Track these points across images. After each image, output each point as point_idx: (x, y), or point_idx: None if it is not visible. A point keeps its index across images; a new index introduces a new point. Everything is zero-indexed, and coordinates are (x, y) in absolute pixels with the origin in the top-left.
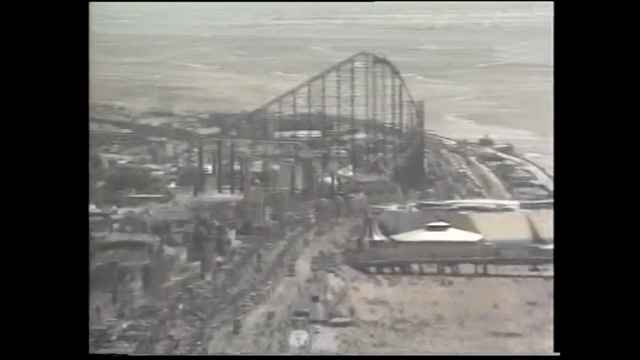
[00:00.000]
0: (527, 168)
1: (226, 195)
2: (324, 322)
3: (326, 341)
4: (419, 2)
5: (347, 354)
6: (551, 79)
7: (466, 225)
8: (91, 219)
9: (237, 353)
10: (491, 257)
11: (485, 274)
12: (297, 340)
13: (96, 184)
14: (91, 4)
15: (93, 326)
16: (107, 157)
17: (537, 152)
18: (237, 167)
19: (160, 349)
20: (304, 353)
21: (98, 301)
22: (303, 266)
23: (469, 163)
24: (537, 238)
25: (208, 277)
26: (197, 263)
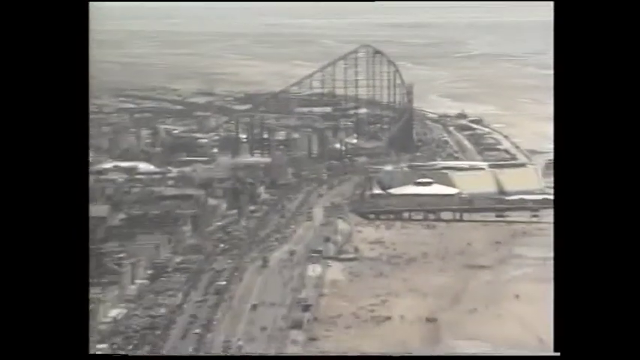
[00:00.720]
0: (493, 136)
1: (257, 158)
2: (335, 258)
3: (336, 273)
4: (407, 5)
5: (346, 354)
6: (512, 65)
7: (446, 181)
8: (151, 177)
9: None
10: (465, 206)
11: (461, 220)
12: (313, 272)
13: (155, 149)
14: (91, 4)
15: (154, 260)
16: (164, 127)
17: (501, 123)
18: (265, 136)
19: (204, 279)
20: (319, 282)
21: (158, 240)
22: (318, 214)
23: (448, 132)
24: (502, 191)
25: (243, 222)
26: (234, 211)
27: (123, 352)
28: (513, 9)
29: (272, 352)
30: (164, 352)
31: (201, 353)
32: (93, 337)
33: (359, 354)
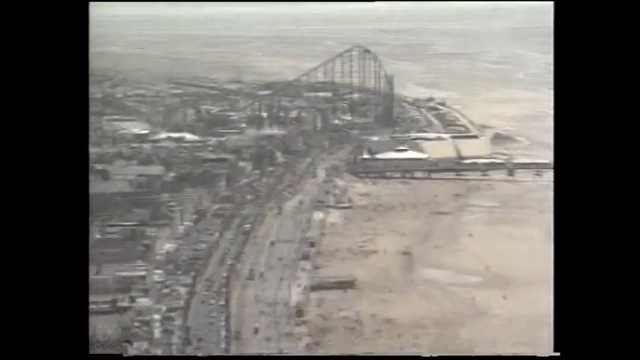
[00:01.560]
0: (453, 114)
1: (275, 131)
2: (333, 206)
3: (334, 217)
4: (390, 15)
5: (346, 353)
6: (467, 61)
7: (418, 148)
8: (194, 145)
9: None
10: (432, 167)
11: (429, 178)
12: (317, 217)
13: (198, 124)
14: (91, 4)
15: (197, 207)
16: (204, 107)
17: (460, 105)
18: (281, 114)
19: (235, 222)
20: (321, 226)
21: (200, 193)
22: (321, 173)
23: (420, 111)
24: (460, 156)
25: (264, 179)
26: (257, 171)
27: (173, 277)
28: (472, 20)
29: (287, 275)
30: (205, 277)
31: (222, 300)
32: (151, 266)
33: (359, 354)
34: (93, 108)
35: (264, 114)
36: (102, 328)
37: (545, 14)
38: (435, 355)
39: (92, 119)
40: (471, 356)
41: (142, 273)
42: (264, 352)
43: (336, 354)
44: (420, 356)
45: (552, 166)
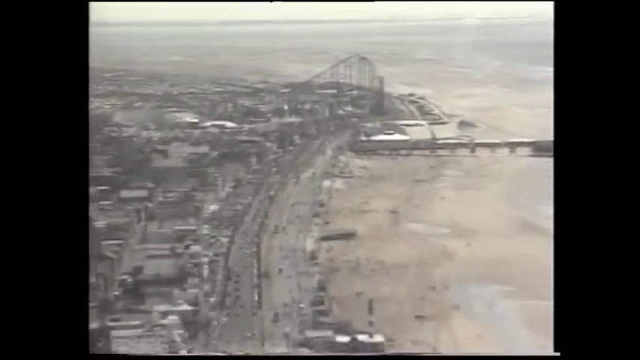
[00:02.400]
0: (429, 106)
1: (293, 119)
2: (338, 176)
3: (339, 185)
4: (381, 32)
5: (348, 354)
6: (440, 65)
7: (402, 132)
8: (233, 130)
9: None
10: (413, 146)
11: (410, 154)
12: (326, 185)
13: (235, 114)
14: (91, 4)
15: (234, 177)
16: (240, 102)
17: (434, 99)
18: (298, 106)
19: (263, 189)
20: (329, 191)
21: (237, 167)
22: (329, 151)
23: (404, 104)
24: (434, 138)
25: (286, 156)
26: (280, 150)
27: (217, 230)
28: (443, 34)
29: (304, 229)
30: (241, 231)
31: (254, 248)
32: (200, 222)
33: (359, 354)
34: (155, 103)
35: (285, 106)
36: (164, 269)
37: (499, 28)
38: (434, 355)
39: (155, 111)
40: (471, 356)
41: (193, 227)
42: (286, 286)
43: (341, 289)
44: (420, 356)
45: (504, 144)
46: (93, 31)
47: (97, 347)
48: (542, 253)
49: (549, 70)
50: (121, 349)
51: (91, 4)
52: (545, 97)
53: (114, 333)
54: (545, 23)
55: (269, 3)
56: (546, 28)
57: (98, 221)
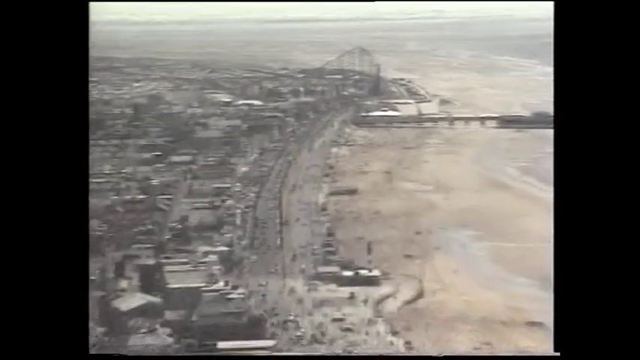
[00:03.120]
0: (416, 88)
1: (307, 99)
2: (344, 144)
3: (343, 151)
4: (377, 30)
5: (352, 233)
6: (425, 55)
7: (394, 108)
8: (259, 107)
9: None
10: (403, 120)
11: (401, 127)
12: (334, 151)
13: (261, 95)
14: (91, 4)
15: (260, 146)
16: (265, 85)
17: (421, 82)
18: (311, 88)
19: (284, 154)
20: (336, 156)
21: (262, 137)
22: (336, 124)
23: (396, 86)
24: (420, 113)
25: (302, 129)
26: (297, 123)
27: (247, 187)
28: (428, 30)
29: (316, 186)
30: (266, 188)
31: (276, 201)
32: (234, 180)
33: (359, 354)
34: (196, 85)
35: (301, 88)
36: (205, 218)
37: (472, 25)
38: (433, 355)
39: (197, 93)
40: (471, 356)
41: (228, 185)
42: (302, 232)
43: (345, 234)
44: (420, 356)
45: (476, 118)
46: (148, 29)
47: (155, 280)
48: (506, 204)
49: (513, 59)
50: (172, 281)
51: (92, 4)
52: (509, 80)
53: (167, 268)
54: (514, 20)
55: (285, 5)
56: (514, 25)
57: (154, 180)
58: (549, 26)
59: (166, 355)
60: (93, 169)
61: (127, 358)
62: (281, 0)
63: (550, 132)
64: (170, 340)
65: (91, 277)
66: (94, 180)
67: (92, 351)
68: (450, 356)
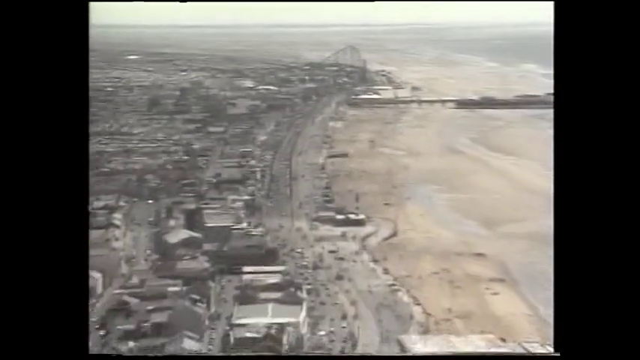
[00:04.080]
0: (393, 78)
1: (311, 85)
2: (339, 119)
3: (339, 125)
4: (364, 33)
5: (344, 187)
6: (401, 54)
7: (377, 93)
8: (275, 91)
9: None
10: (384, 102)
11: (382, 107)
12: (331, 124)
13: (276, 81)
14: (91, 4)
15: (275, 120)
16: (279, 74)
17: (397, 73)
18: (315, 77)
19: (293, 127)
20: (333, 128)
21: (277, 114)
22: (333, 104)
23: (378, 77)
24: (396, 96)
25: (306, 108)
26: (304, 103)
27: (265, 151)
28: (406, 33)
29: (317, 151)
30: (279, 152)
31: (287, 162)
32: (254, 147)
33: (359, 354)
34: (228, 74)
35: (307, 77)
36: (234, 174)
37: (446, 31)
38: (434, 355)
39: (228, 80)
40: (471, 356)
41: (250, 149)
42: (307, 185)
43: (339, 187)
44: (420, 356)
45: (438, 101)
46: (192, 31)
47: (196, 220)
48: (460, 165)
49: (467, 57)
50: (209, 221)
51: (92, 4)
52: (465, 73)
53: (205, 211)
54: (481, 27)
55: (294, 13)
56: (480, 30)
57: (195, 145)
58: (501, 31)
59: (166, 355)
60: (149, 137)
61: (127, 358)
62: (290, 0)
63: (493, 111)
64: (207, 264)
65: (149, 218)
66: (150, 145)
67: (147, 269)
68: (450, 356)
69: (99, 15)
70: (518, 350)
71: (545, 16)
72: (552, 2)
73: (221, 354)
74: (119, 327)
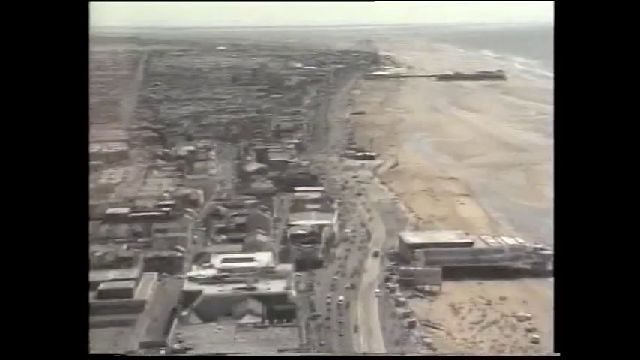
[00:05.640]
0: (395, 60)
1: (341, 66)
2: (358, 89)
3: (358, 92)
4: (358, 32)
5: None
6: (400, 43)
7: (384, 70)
8: (314, 69)
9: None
10: (389, 76)
11: (387, 80)
12: (353, 92)
13: (312, 61)
14: (91, 4)
15: (290, 97)
16: (315, 58)
17: (397, 57)
18: (342, 60)
19: (328, 94)
20: (352, 95)
21: (294, 92)
22: (353, 79)
23: (384, 59)
24: (398, 73)
25: (337, 81)
26: (335, 78)
27: (307, 109)
28: (405, 30)
29: (344, 110)
30: (319, 111)
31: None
32: (302, 106)
33: (359, 354)
34: (283, 59)
35: (337, 60)
36: (288, 126)
37: (425, 29)
38: (433, 355)
39: (284, 62)
40: (471, 356)
41: (299, 109)
42: (336, 133)
43: (359, 135)
44: (420, 356)
45: (426, 75)
46: (256, 30)
47: (263, 156)
48: (439, 119)
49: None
50: (272, 157)
51: (92, 5)
52: (443, 56)
53: (269, 151)
54: (452, 25)
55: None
56: (451, 28)
57: (263, 106)
58: (467, 28)
59: (166, 355)
60: (232, 101)
61: (127, 358)
62: (326, 0)
63: (461, 82)
64: (271, 186)
65: (233, 155)
66: (233, 106)
67: (232, 189)
68: (450, 356)
69: (196, 18)
70: (477, 239)
71: (498, 16)
72: (552, 2)
73: (224, 354)
74: (214, 226)
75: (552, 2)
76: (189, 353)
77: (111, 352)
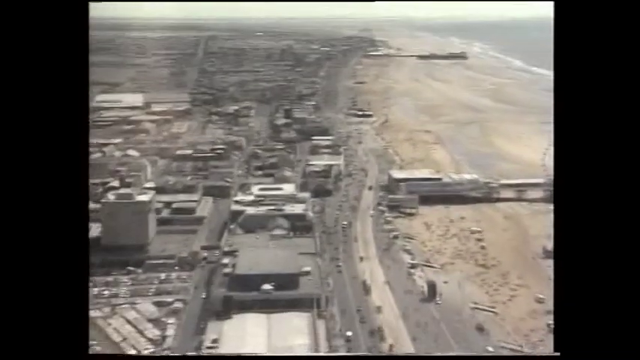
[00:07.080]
0: (388, 44)
1: (347, 47)
2: (359, 65)
3: (361, 70)
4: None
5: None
6: (396, 32)
7: (378, 51)
8: (325, 50)
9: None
10: (382, 55)
11: (381, 58)
12: (357, 67)
13: (328, 45)
14: (91, 4)
15: (331, 64)
16: (330, 42)
17: (390, 42)
18: (348, 44)
19: (339, 70)
20: (355, 73)
21: (330, 62)
22: (356, 57)
23: (383, 44)
24: (397, 55)
25: (344, 59)
26: (343, 57)
27: (323, 80)
28: (402, 23)
29: (349, 80)
30: (330, 81)
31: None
32: (316, 81)
33: (359, 354)
34: (303, 42)
35: (345, 43)
36: (306, 91)
37: (409, 21)
38: (433, 355)
39: (305, 44)
40: (471, 356)
41: (315, 79)
42: (344, 97)
43: (360, 99)
44: (420, 356)
45: (418, 56)
46: (281, 21)
47: (289, 114)
48: (418, 87)
49: (423, 34)
50: (296, 114)
51: (92, 5)
52: (422, 42)
53: (294, 110)
54: (430, 19)
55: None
56: (428, 21)
57: (289, 77)
58: (441, 22)
59: (166, 355)
60: (266, 73)
61: (126, 357)
62: (329, 0)
63: (435, 60)
64: (295, 135)
65: (266, 112)
66: (267, 76)
67: (266, 137)
68: (450, 356)
69: (242, 11)
70: (444, 175)
71: (464, 11)
72: (552, 2)
73: (224, 353)
74: (253, 164)
75: (552, 2)
76: (235, 254)
77: (181, 251)
